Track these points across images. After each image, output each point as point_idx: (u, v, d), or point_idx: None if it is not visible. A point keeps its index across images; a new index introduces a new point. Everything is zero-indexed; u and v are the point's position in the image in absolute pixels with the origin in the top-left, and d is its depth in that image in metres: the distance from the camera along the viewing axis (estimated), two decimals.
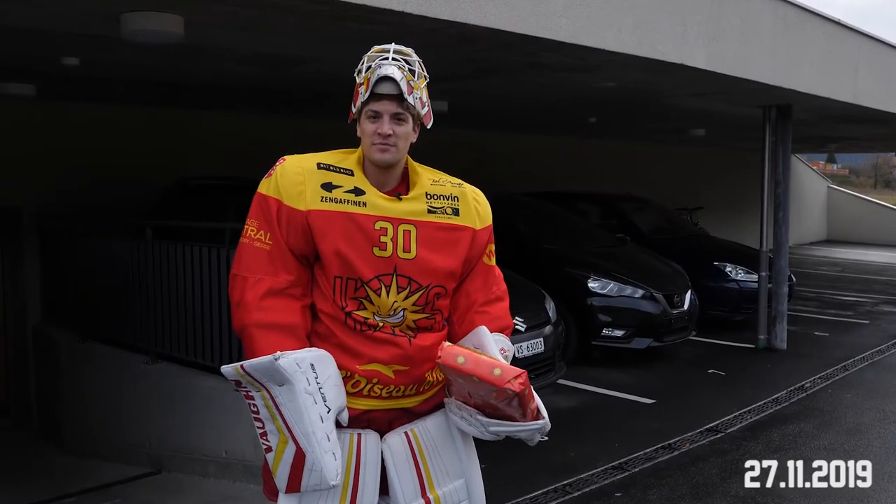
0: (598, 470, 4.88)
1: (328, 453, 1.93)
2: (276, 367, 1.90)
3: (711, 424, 5.76)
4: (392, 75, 2.01)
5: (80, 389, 7.05)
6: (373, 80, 2.03)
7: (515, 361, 2.54)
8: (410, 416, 2.21)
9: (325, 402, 1.95)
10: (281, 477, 2.01)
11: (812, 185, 22.52)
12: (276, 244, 2.09)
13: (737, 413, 6.04)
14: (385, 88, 2.02)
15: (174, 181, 7.57)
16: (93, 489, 5.86)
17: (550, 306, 6.43)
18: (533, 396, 2.02)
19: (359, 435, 2.13)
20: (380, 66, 2.04)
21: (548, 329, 6.17)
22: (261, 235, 2.10)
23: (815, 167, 24.49)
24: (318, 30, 4.48)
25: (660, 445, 5.31)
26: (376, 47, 2.10)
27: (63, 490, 5.88)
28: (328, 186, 2.07)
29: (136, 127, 8.51)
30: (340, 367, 2.08)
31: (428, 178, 2.20)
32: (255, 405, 1.99)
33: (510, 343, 2.30)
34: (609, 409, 6.27)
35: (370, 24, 4.08)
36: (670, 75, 6.32)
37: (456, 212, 2.17)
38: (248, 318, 2.07)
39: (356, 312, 2.08)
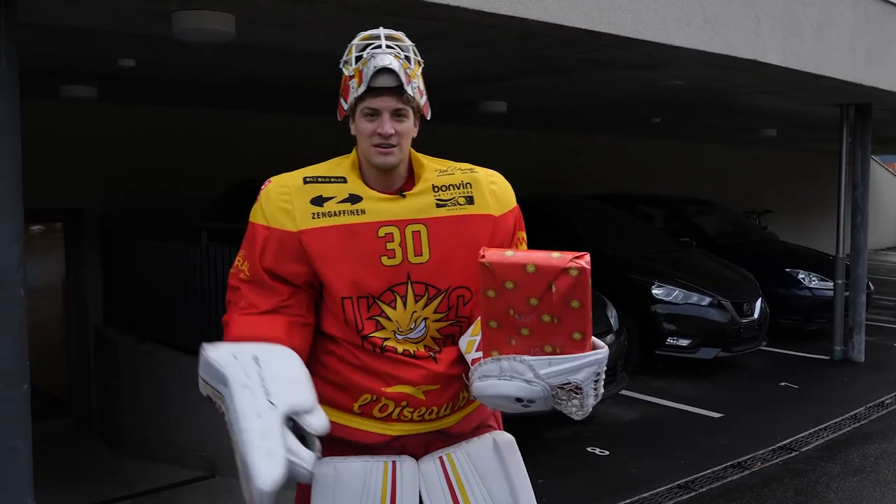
0: (663, 489, 4.62)
1: (259, 450, 1.55)
2: (207, 360, 1.65)
3: (784, 442, 5.43)
4: (390, 66, 1.77)
5: (137, 391, 7.09)
6: (367, 72, 1.78)
7: None
8: (447, 438, 1.98)
9: (267, 395, 1.63)
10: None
11: (889, 187, 21.69)
12: (254, 275, 1.88)
13: (812, 430, 5.69)
14: (383, 81, 1.78)
15: (233, 183, 7.57)
16: (147, 492, 5.86)
17: (612, 314, 6.19)
18: (591, 301, 1.68)
19: (394, 462, 1.93)
20: (373, 55, 1.79)
21: (609, 338, 5.93)
22: (245, 267, 1.91)
23: (890, 169, 23.54)
24: (369, 27, 4.35)
25: (729, 464, 5.02)
26: (363, 34, 1.87)
27: (117, 492, 5.90)
28: (318, 200, 1.86)
29: (196, 129, 8.55)
30: (365, 390, 1.88)
31: (434, 169, 1.96)
32: (227, 419, 1.71)
33: None
34: (673, 422, 5.98)
35: (423, 19, 3.93)
36: (741, 72, 6.02)
37: (470, 200, 1.92)
38: (226, 336, 1.84)
39: (373, 335, 1.86)
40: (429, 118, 1.92)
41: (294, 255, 1.85)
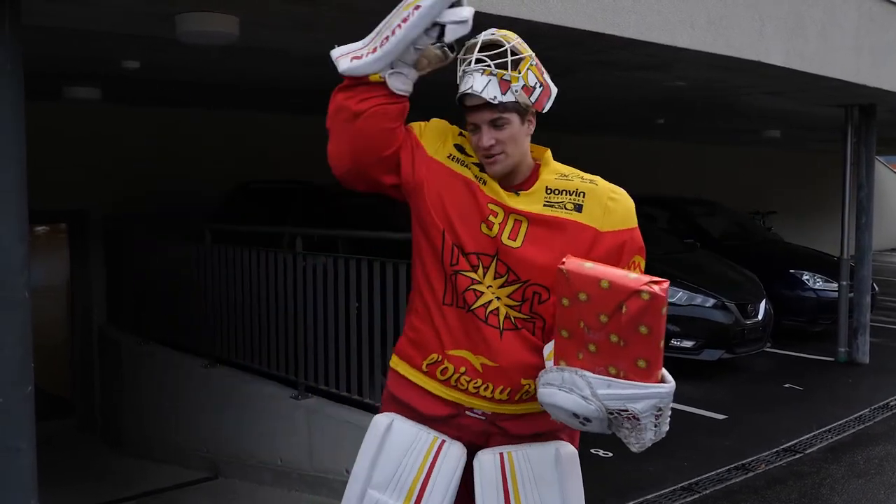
0: (666, 491, 4.61)
1: None
2: None
3: (789, 444, 5.41)
4: (472, 91, 1.85)
5: (139, 391, 7.11)
6: (459, 93, 1.89)
7: None
8: (509, 436, 2.01)
9: None
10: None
11: (893, 188, 21.62)
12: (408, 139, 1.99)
13: (816, 432, 5.67)
14: (472, 101, 1.88)
15: (237, 185, 7.58)
16: (150, 493, 5.87)
17: None
18: (664, 330, 1.65)
19: (442, 441, 1.98)
20: (462, 77, 1.89)
21: None
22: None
23: (895, 170, 23.48)
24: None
25: (732, 465, 5.01)
26: (467, 44, 1.92)
27: (118, 493, 5.91)
28: (460, 149, 2.00)
29: (198, 130, 8.56)
30: (433, 349, 1.98)
31: (556, 171, 2.03)
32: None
33: None
34: (677, 424, 5.83)
35: None
36: (745, 73, 6.01)
37: (578, 208, 1.96)
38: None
39: (463, 273, 1.93)
40: (545, 111, 1.96)
41: (416, 163, 1.96)
